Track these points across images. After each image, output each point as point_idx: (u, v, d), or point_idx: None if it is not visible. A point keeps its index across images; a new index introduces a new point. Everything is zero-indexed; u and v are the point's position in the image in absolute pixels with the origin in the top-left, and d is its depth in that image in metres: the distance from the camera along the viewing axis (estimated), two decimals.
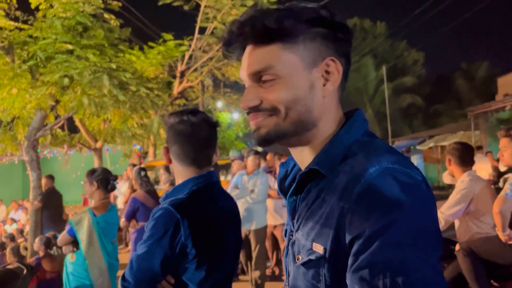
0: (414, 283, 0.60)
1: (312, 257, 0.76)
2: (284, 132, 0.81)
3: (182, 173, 1.57)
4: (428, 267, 0.62)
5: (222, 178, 12.08)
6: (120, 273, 3.40)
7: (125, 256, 7.00)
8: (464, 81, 27.76)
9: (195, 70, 12.28)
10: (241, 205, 5.17)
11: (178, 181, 1.59)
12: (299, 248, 0.80)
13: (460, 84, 27.90)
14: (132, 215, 4.43)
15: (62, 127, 10.43)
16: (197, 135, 1.56)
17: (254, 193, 4.99)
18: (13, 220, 11.86)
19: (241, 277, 6.16)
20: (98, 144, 9.84)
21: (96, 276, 3.13)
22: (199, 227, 1.43)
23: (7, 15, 6.93)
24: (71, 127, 10.54)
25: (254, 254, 5.16)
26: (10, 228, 11.46)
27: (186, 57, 11.99)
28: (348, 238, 0.68)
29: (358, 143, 0.80)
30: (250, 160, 4.98)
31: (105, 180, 3.25)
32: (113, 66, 6.72)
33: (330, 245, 0.72)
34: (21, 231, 10.20)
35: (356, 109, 0.86)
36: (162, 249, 1.37)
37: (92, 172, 3.27)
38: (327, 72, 0.81)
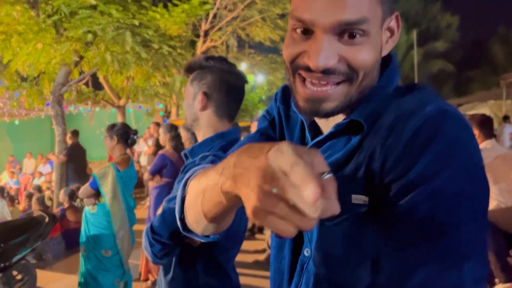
0: (463, 242, 0.56)
1: (354, 211, 0.66)
2: (350, 103, 0.70)
3: (213, 125, 1.49)
4: (478, 220, 0.58)
5: None
6: (137, 227, 3.52)
7: (141, 212, 7.20)
8: (500, 46, 26.53)
9: (219, 29, 12.10)
10: None
11: (205, 132, 1.50)
12: None
13: (495, 50, 26.71)
14: (158, 171, 4.47)
15: (86, 84, 10.55)
16: (239, 87, 1.51)
17: None
18: (41, 174, 12.31)
19: (257, 235, 6.28)
20: (122, 102, 9.96)
21: (118, 228, 3.23)
22: None
23: None
24: (96, 84, 10.64)
25: None
26: (38, 181, 11.91)
27: (211, 15, 11.79)
28: (389, 178, 0.61)
29: (399, 90, 0.71)
30: None
31: (125, 134, 3.29)
32: (136, 22, 6.67)
33: (375, 192, 0.64)
34: (48, 183, 10.60)
35: (390, 55, 0.76)
36: None
37: (112, 127, 3.32)
38: (390, 30, 0.72)
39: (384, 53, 0.72)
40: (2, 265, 3.15)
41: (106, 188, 3.18)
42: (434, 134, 0.60)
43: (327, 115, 0.70)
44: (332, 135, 0.73)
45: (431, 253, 0.56)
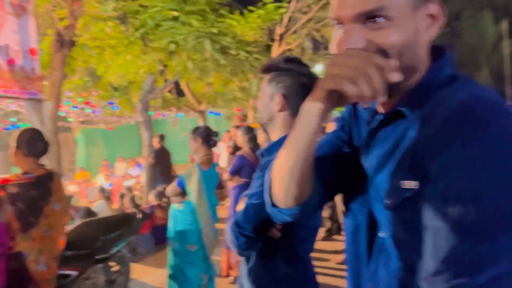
0: (495, 213, 0.58)
1: (406, 195, 0.70)
2: (393, 87, 0.75)
3: (288, 125, 1.55)
4: (508, 198, 0.59)
5: None
6: (218, 226, 3.70)
7: (222, 211, 7.47)
8: None
9: (294, 32, 12.17)
10: None
11: (280, 131, 1.58)
12: (382, 193, 0.77)
13: None
14: (236, 172, 4.66)
15: (170, 91, 11.20)
16: (311, 87, 1.60)
17: None
18: (131, 176, 13.26)
19: (335, 236, 6.23)
20: (202, 107, 10.43)
21: (203, 224, 3.43)
22: None
23: None
24: (179, 91, 11.26)
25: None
26: (129, 183, 12.85)
27: (285, 19, 11.92)
28: (429, 164, 0.65)
29: (447, 83, 0.75)
30: None
31: (207, 136, 3.49)
32: (215, 30, 6.98)
33: (421, 179, 0.68)
34: (137, 185, 11.40)
35: (442, 49, 0.81)
36: None
37: (196, 129, 3.54)
38: (431, 16, 0.77)
39: (426, 38, 0.77)
40: (102, 256, 3.50)
41: (192, 187, 3.39)
42: (464, 120, 0.63)
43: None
44: (382, 124, 0.80)
45: (464, 230, 0.60)
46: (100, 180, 14.11)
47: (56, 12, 6.40)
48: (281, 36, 12.13)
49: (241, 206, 1.60)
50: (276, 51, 12.00)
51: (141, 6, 7.30)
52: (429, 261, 0.63)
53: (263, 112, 1.62)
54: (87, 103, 10.33)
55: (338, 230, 6.22)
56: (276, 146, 1.57)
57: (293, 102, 1.55)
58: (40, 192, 2.56)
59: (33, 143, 2.60)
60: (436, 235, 0.63)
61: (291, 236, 1.52)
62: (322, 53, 14.62)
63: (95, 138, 16.73)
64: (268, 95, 1.60)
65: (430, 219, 0.64)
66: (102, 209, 6.86)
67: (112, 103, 9.31)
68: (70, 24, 5.30)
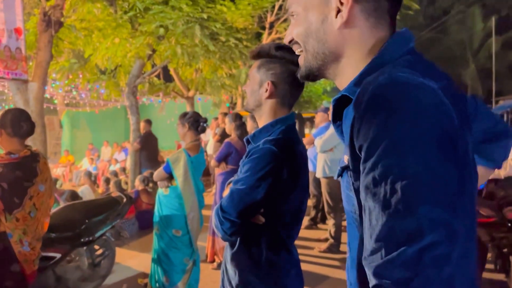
0: (413, 188, 0.61)
1: (341, 166, 0.83)
2: (310, 66, 0.89)
3: (275, 112, 1.59)
4: (428, 171, 0.62)
5: (306, 131, 12.12)
6: (204, 212, 3.72)
7: (208, 198, 7.49)
8: None
9: (285, 21, 12.11)
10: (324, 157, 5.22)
11: (267, 118, 1.60)
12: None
13: None
14: (223, 158, 4.67)
15: (158, 76, 11.10)
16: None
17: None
18: (116, 160, 13.17)
19: (320, 225, 6.31)
20: (190, 93, 10.36)
21: (189, 209, 3.44)
22: (296, 166, 1.53)
23: None
24: (167, 77, 11.17)
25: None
26: (114, 167, 12.76)
27: (276, 7, 11.84)
28: (357, 146, 0.70)
29: (391, 64, 0.77)
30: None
31: (196, 122, 3.49)
32: (205, 16, 6.91)
33: (349, 155, 0.75)
34: (123, 169, 11.33)
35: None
36: (265, 184, 1.47)
37: (184, 115, 3.53)
38: (341, 3, 0.81)
39: (337, 25, 0.82)
40: (86, 239, 3.49)
41: (178, 172, 3.39)
42: (378, 102, 0.67)
43: (301, 77, 0.93)
44: (334, 109, 0.87)
45: (385, 209, 0.63)
46: (85, 164, 13.99)
47: None
48: (272, 24, 12.07)
49: (226, 192, 1.61)
50: (266, 39, 11.95)
51: None
52: (368, 241, 0.66)
53: (251, 98, 1.63)
54: (73, 85, 10.17)
55: (323, 219, 6.30)
56: (261, 133, 1.59)
57: (281, 90, 1.57)
58: (24, 173, 2.53)
59: (18, 123, 2.57)
60: (370, 215, 0.66)
61: (275, 222, 1.55)
62: None
63: (81, 121, 16.54)
64: (256, 82, 1.61)
65: (364, 200, 0.68)
66: (87, 193, 6.83)
67: (98, 86, 9.19)
68: (57, 4, 5.20)
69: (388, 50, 0.80)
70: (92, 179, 7.76)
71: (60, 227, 3.27)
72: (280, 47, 1.59)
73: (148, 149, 7.82)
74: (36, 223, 2.61)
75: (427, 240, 0.59)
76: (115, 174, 8.82)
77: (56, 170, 13.27)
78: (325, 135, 5.16)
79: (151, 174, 6.29)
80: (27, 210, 2.53)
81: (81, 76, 8.43)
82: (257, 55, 1.64)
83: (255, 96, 1.61)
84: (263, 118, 1.62)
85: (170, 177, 3.47)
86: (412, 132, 0.63)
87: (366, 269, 0.66)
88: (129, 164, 8.95)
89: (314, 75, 0.91)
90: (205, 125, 3.54)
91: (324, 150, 5.10)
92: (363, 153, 0.68)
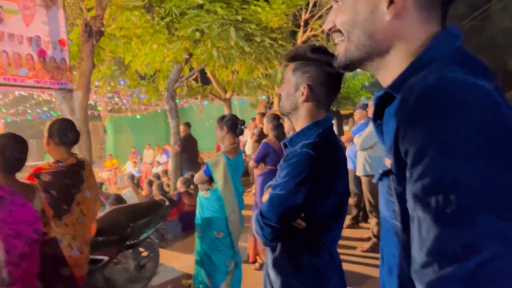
0: (468, 197, 0.56)
1: (383, 170, 0.77)
2: (352, 57, 0.84)
3: (312, 115, 1.57)
4: (485, 179, 0.56)
5: (346, 128, 11.94)
6: (244, 212, 3.74)
7: (248, 198, 7.53)
8: None
9: (320, 17, 11.99)
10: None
11: (303, 121, 1.58)
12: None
13: None
14: (262, 159, 4.67)
15: (196, 79, 11.27)
16: (339, 80, 1.57)
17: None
18: (158, 163, 13.50)
19: (362, 224, 6.20)
20: (228, 95, 10.46)
21: (229, 212, 3.48)
22: (335, 169, 1.51)
23: None
24: (204, 79, 11.32)
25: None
26: (157, 170, 13.09)
27: (310, 4, 11.75)
28: (403, 150, 0.66)
29: (440, 62, 0.72)
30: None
31: (234, 125, 3.51)
32: (239, 18, 6.95)
33: (393, 158, 0.70)
34: (165, 172, 11.60)
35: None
36: (304, 189, 1.45)
37: (222, 118, 3.56)
38: None
39: (388, 17, 0.77)
40: (132, 242, 3.60)
41: (218, 175, 3.43)
42: (428, 106, 0.62)
43: (339, 67, 0.87)
44: (376, 107, 0.84)
45: (438, 220, 0.58)
46: (129, 167, 14.42)
47: (84, 2, 6.51)
48: (306, 22, 11.98)
49: (266, 197, 1.61)
50: (301, 37, 11.87)
51: None
52: (417, 253, 0.62)
53: (287, 102, 1.62)
54: (115, 92, 10.52)
55: (364, 218, 6.18)
56: (299, 137, 1.57)
57: (318, 93, 1.55)
58: (72, 180, 2.64)
59: (64, 132, 2.68)
60: (420, 225, 0.61)
61: (315, 226, 1.53)
62: None
63: (123, 126, 17.08)
64: (292, 85, 1.59)
65: (413, 209, 0.63)
66: (130, 196, 7.03)
67: (138, 92, 9.45)
68: (98, 15, 5.38)
69: (437, 47, 0.75)
70: (135, 182, 7.99)
71: (107, 231, 3.38)
72: (316, 49, 1.57)
73: (188, 152, 7.96)
74: (84, 228, 2.71)
75: (486, 253, 0.54)
76: (158, 176, 9.03)
77: (101, 174, 13.78)
78: (364, 132, 5.05)
79: (192, 176, 6.40)
80: (75, 215, 2.63)
81: (122, 83, 8.69)
82: (292, 58, 1.62)
83: (291, 99, 1.60)
84: (300, 121, 1.60)
85: (210, 180, 3.51)
86: (466, 137, 0.58)
87: (416, 283, 0.62)
88: (170, 166, 9.17)
89: (353, 66, 0.86)
90: (242, 127, 3.56)
91: (364, 147, 5.01)
92: (409, 158, 0.64)
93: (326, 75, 1.53)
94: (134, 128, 17.09)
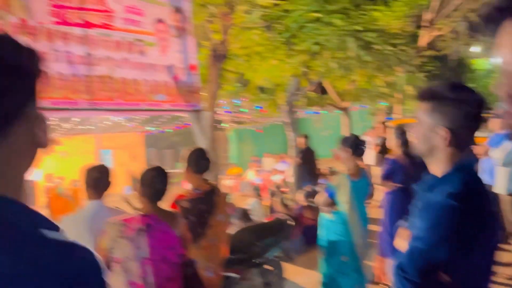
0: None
1: None
2: None
3: (452, 159, 1.45)
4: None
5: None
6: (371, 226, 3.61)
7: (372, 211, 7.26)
8: None
9: (447, 16, 11.10)
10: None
11: (442, 165, 1.47)
12: None
13: None
14: (389, 176, 4.50)
15: (313, 90, 11.31)
16: (479, 117, 1.44)
17: None
18: (278, 170, 13.84)
19: (501, 246, 5.55)
20: (345, 104, 10.29)
21: (355, 236, 3.42)
22: (483, 220, 1.39)
23: None
24: (321, 89, 11.30)
25: None
26: (276, 178, 13.43)
27: (435, 2, 10.94)
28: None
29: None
30: None
31: (356, 147, 3.46)
32: (358, 27, 6.81)
33: None
34: (284, 181, 11.84)
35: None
36: (448, 243, 1.36)
37: (345, 140, 3.53)
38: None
39: None
40: (259, 260, 3.75)
41: (342, 198, 3.40)
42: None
43: None
44: None
45: None
46: (250, 175, 15.04)
47: (209, 26, 7.00)
48: (430, 22, 11.18)
49: (401, 243, 1.54)
50: (425, 39, 11.12)
51: (285, 11, 7.50)
52: None
53: (422, 145, 1.51)
54: (238, 107, 11.11)
55: (506, 239, 5.53)
56: (442, 184, 1.46)
57: (459, 136, 1.43)
58: (207, 206, 2.86)
59: (199, 161, 2.91)
60: None
61: (461, 280, 1.42)
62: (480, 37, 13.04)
63: (245, 136, 17.94)
64: (428, 127, 1.47)
65: None
66: (255, 207, 7.33)
67: (260, 107, 9.84)
68: (224, 39, 5.74)
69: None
70: (257, 192, 8.30)
71: (237, 250, 3.58)
72: (456, 87, 1.45)
73: (307, 164, 8.02)
74: (217, 249, 2.91)
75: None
76: (278, 187, 9.26)
77: (225, 182, 14.61)
78: (506, 145, 4.53)
79: (313, 189, 6.43)
80: (209, 238, 2.84)
81: (244, 99, 9.13)
82: (428, 97, 1.52)
83: (427, 142, 1.48)
84: (438, 166, 1.49)
85: (333, 202, 3.49)
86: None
87: None
88: (289, 174, 9.32)
89: None
90: (364, 148, 3.49)
91: (507, 163, 4.49)
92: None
93: (468, 116, 1.41)
94: (255, 138, 17.83)
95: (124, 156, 15.40)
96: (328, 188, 3.52)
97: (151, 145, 19.14)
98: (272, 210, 7.58)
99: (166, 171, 2.59)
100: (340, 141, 3.54)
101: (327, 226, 3.55)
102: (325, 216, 3.58)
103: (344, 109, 10.32)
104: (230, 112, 12.49)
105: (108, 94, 4.77)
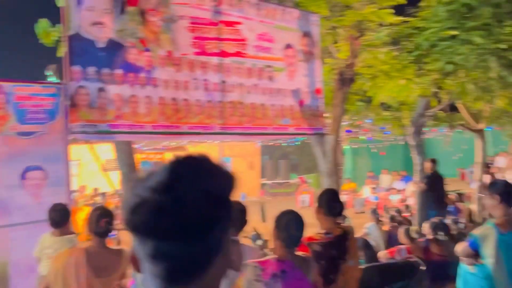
0: None
1: None
2: None
3: None
4: None
5: None
6: None
7: None
8: None
9: None
10: None
11: None
12: None
13: None
14: None
15: (443, 108, 10.51)
16: None
17: None
18: (396, 190, 13.14)
19: None
20: (481, 125, 9.33)
21: None
22: None
23: (396, 11, 7.48)
24: (451, 107, 10.43)
25: None
26: (394, 197, 12.77)
27: None
28: None
29: None
30: None
31: (507, 194, 3.08)
32: (502, 46, 6.12)
33: None
34: (404, 202, 11.19)
35: None
36: None
37: (493, 185, 3.19)
38: None
39: None
40: None
41: (488, 251, 3.05)
42: None
43: None
44: None
45: None
46: (366, 192, 14.55)
47: (334, 46, 6.92)
48: None
49: None
50: None
51: (415, 28, 7.09)
52: None
53: None
54: (358, 123, 10.77)
55: None
56: None
57: None
58: (338, 251, 2.79)
59: (332, 204, 2.86)
60: None
61: None
62: None
63: (361, 150, 17.41)
64: None
65: None
66: (372, 231, 7.02)
67: (383, 128, 9.44)
68: (351, 63, 5.63)
69: None
70: (377, 216, 7.94)
71: None
72: None
73: (434, 191, 7.46)
74: None
75: None
76: (399, 212, 8.76)
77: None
78: None
79: (440, 220, 5.93)
80: (339, 285, 2.77)
81: (368, 120, 8.84)
82: None
83: None
84: None
85: (476, 254, 3.16)
86: None
87: None
88: (409, 196, 8.73)
89: None
90: None
91: None
92: None
93: None
94: (371, 152, 17.20)
95: (242, 164, 16.06)
96: (471, 237, 3.19)
97: (266, 154, 19.66)
98: (390, 236, 7.18)
99: (302, 217, 2.59)
100: (488, 185, 3.20)
101: (467, 279, 3.23)
102: (465, 268, 3.26)
103: (479, 131, 9.36)
104: (350, 131, 12.20)
105: (238, 119, 4.99)
